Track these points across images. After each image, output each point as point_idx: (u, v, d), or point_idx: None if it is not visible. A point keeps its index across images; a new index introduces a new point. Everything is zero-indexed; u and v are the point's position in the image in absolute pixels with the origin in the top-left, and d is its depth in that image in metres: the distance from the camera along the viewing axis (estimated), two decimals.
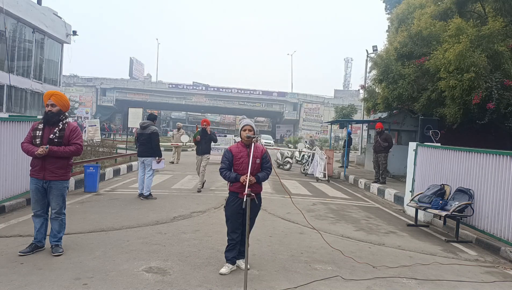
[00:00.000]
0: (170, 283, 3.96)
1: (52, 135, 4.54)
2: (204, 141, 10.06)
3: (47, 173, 4.56)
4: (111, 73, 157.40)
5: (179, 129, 18.57)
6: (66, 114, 4.77)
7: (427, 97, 11.84)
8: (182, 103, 57.93)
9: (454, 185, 6.97)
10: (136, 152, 9.71)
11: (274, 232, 6.20)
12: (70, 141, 4.62)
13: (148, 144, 8.42)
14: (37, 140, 4.54)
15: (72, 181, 8.98)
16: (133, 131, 19.65)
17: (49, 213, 4.79)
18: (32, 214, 4.72)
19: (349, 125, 19.01)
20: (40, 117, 7.93)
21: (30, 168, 4.67)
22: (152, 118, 8.83)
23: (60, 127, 4.60)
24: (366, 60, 21.86)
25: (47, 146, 4.47)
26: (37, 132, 4.59)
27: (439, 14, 13.16)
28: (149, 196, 8.41)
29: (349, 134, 18.46)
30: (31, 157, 4.62)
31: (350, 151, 19.78)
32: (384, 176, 12.34)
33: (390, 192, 10.59)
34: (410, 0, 16.21)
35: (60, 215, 4.74)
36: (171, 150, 17.88)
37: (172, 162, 16.35)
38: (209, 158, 10.26)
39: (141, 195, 8.47)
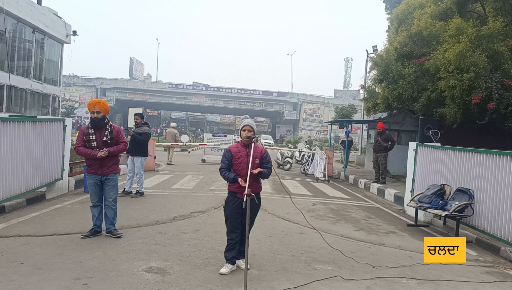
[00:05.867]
0: (170, 283, 3.96)
1: (105, 138, 5.38)
2: None
3: (105, 169, 5.41)
4: (111, 73, 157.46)
5: (173, 128, 18.40)
6: (108, 117, 5.54)
7: (427, 97, 11.83)
8: (182, 103, 57.95)
9: (454, 185, 6.97)
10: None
11: (274, 232, 6.20)
12: (118, 140, 5.51)
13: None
14: (92, 143, 5.36)
15: (72, 181, 8.98)
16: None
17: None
18: (91, 204, 5.52)
19: (349, 125, 18.97)
20: (40, 117, 8.00)
21: (87, 167, 5.60)
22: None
23: (109, 130, 5.44)
24: (366, 60, 21.88)
25: (107, 149, 5.33)
26: (90, 136, 5.37)
27: (439, 14, 13.16)
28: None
29: (347, 133, 18.32)
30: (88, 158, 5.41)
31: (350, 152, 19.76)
32: (384, 176, 12.33)
33: (390, 192, 10.59)
34: (410, 0, 16.21)
35: (115, 203, 5.58)
36: (168, 150, 17.41)
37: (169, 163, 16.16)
38: None
39: (131, 193, 8.64)
